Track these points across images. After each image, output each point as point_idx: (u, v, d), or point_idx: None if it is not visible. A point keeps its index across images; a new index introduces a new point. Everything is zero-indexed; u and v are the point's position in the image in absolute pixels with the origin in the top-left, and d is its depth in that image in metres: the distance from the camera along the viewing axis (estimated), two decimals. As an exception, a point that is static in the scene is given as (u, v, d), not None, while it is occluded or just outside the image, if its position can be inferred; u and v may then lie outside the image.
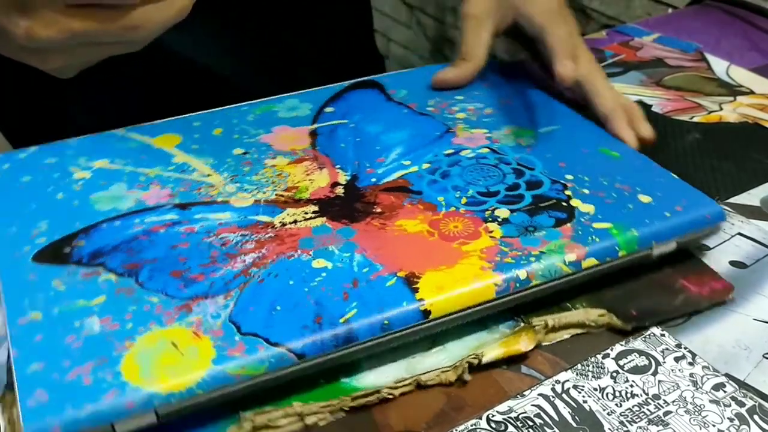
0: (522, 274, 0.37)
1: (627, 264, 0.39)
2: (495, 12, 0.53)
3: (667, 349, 0.37)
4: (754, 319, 0.39)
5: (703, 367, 0.36)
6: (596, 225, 0.39)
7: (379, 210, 0.41)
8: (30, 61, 0.40)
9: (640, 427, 0.33)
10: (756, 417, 0.33)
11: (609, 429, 0.33)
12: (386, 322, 0.34)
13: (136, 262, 0.37)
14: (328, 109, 0.50)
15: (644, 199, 0.41)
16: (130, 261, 0.37)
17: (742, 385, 0.35)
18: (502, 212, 0.41)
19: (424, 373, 0.35)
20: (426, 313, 0.35)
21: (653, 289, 0.40)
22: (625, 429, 0.33)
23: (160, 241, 0.38)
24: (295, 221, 0.40)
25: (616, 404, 0.34)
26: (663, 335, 0.37)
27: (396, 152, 0.46)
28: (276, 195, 0.42)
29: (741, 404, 0.34)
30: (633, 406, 0.34)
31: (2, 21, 0.39)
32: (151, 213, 0.40)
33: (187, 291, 0.35)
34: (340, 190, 0.43)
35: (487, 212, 0.41)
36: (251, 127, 0.49)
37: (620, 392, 0.35)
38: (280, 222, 0.40)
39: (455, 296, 0.35)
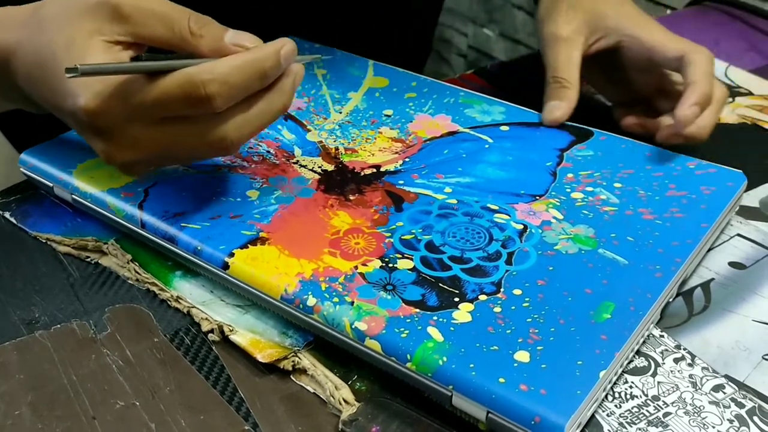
0: (311, 301, 0.36)
1: (410, 379, 0.34)
2: (584, 32, 0.50)
3: (666, 350, 0.37)
4: (753, 321, 0.38)
5: (703, 369, 0.36)
6: (430, 330, 0.34)
7: (352, 198, 0.42)
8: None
9: (640, 429, 0.33)
10: (755, 418, 0.33)
11: (608, 430, 0.33)
12: (199, 248, 0.39)
13: None
14: (504, 127, 0.49)
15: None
16: None
17: (741, 386, 0.35)
18: (405, 263, 0.38)
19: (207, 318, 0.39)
20: (225, 265, 0.38)
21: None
22: (624, 430, 0.33)
23: None
24: (305, 165, 0.45)
25: (616, 405, 0.34)
26: (662, 336, 0.37)
27: (460, 179, 0.44)
28: (335, 146, 0.47)
29: (740, 405, 0.34)
30: (632, 408, 0.34)
31: (84, 136, 0.38)
32: None
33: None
34: (366, 171, 0.45)
35: (398, 254, 0.38)
36: (436, 105, 0.51)
37: (619, 393, 0.34)
38: (298, 161, 0.45)
39: (251, 272, 0.38)
